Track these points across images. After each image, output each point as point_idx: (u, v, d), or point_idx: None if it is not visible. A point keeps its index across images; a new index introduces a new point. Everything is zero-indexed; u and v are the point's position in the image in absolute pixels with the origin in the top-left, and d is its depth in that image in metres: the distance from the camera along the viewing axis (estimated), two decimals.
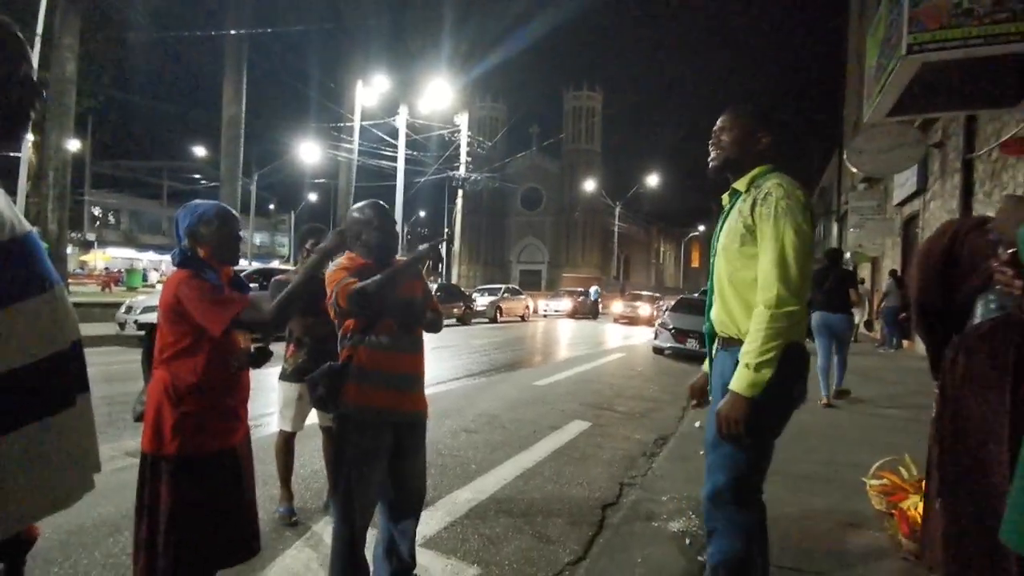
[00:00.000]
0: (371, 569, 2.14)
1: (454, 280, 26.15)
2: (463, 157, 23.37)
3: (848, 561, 2.63)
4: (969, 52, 5.30)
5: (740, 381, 1.70)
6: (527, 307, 23.94)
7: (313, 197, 38.06)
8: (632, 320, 23.36)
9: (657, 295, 27.95)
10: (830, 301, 6.08)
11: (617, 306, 25.68)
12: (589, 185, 47.62)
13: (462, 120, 23.25)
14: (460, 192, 24.57)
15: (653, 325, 17.25)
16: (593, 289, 33.54)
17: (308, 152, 21.85)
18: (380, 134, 19.44)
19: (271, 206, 50.21)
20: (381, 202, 2.22)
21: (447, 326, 17.66)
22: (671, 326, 11.41)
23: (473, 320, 19.86)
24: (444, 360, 9.83)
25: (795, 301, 1.68)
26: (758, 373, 1.67)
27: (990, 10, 5.12)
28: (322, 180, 24.16)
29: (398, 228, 2.23)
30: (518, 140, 55.24)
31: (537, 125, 56.34)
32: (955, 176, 9.39)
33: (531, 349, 12.65)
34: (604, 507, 3.41)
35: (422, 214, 47.15)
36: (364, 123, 19.09)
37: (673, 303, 13.80)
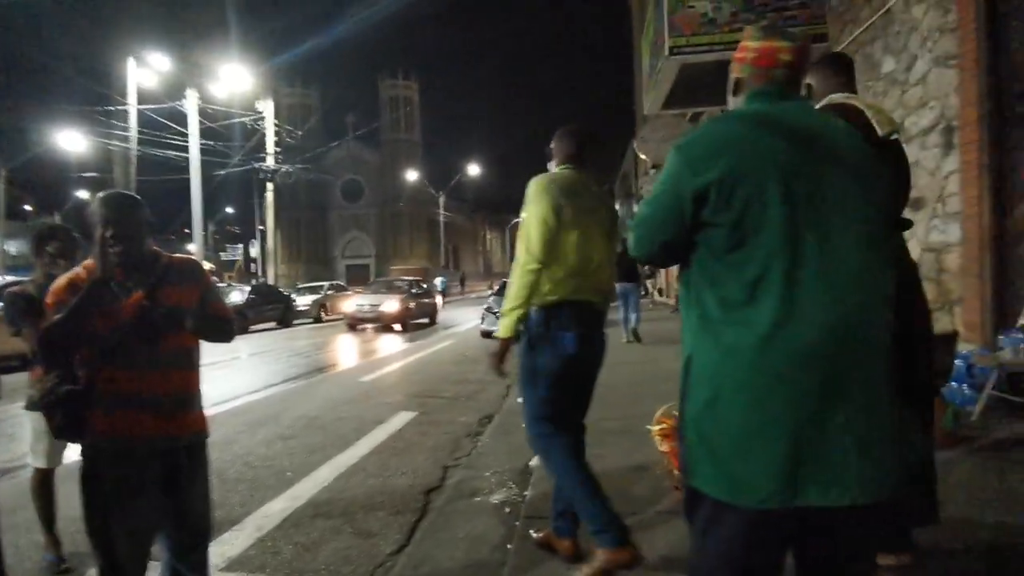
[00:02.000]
0: None
1: (271, 281, 24.15)
2: (270, 147, 21.59)
3: (634, 498, 2.95)
4: (716, 56, 6.26)
5: (499, 326, 2.26)
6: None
7: (84, 195, 32.23)
8: (375, 321, 15.28)
9: (413, 280, 19.06)
10: (623, 274, 8.16)
11: (348, 305, 16.45)
12: (411, 175, 47.21)
13: (266, 107, 21.43)
14: (270, 185, 22.67)
15: (404, 325, 14.79)
16: (439, 280, 29.66)
17: (71, 141, 18.43)
18: (165, 121, 17.09)
19: (27, 207, 41.50)
20: (124, 192, 1.90)
21: (264, 330, 16.34)
22: (495, 309, 11.85)
23: (295, 321, 18.63)
24: (259, 367, 9.08)
25: (533, 261, 2.14)
26: (507, 317, 2.19)
27: (728, 20, 6.09)
28: (94, 175, 20.46)
29: (140, 226, 1.78)
30: (334, 130, 52.57)
31: (353, 114, 54.20)
32: None
33: (358, 345, 12.24)
34: (428, 492, 3.45)
35: (229, 210, 42.78)
36: (142, 107, 16.62)
37: (497, 287, 14.30)
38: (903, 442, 1.29)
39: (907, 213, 5.07)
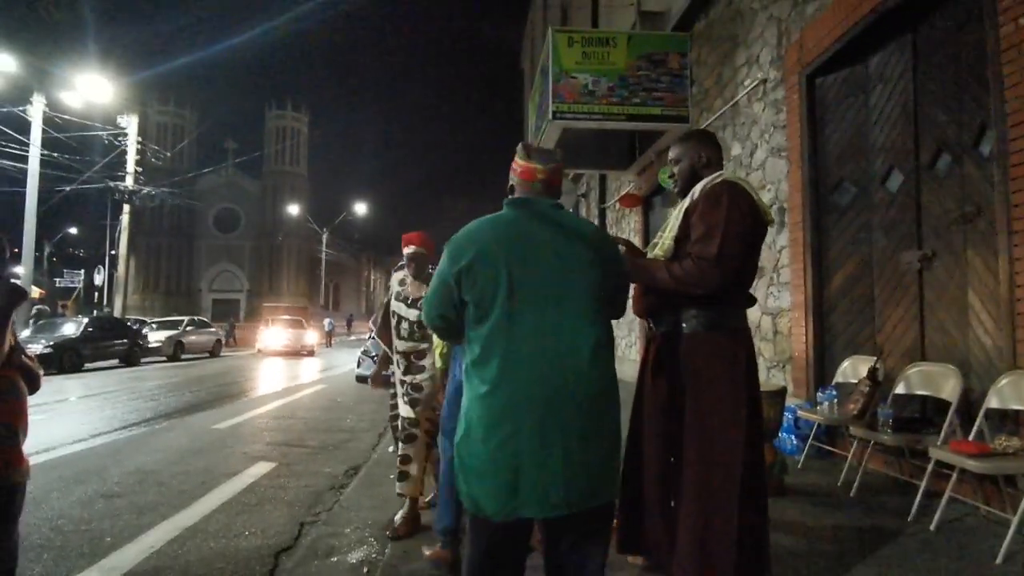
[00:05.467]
0: None
1: (117, 313, 21.50)
2: (131, 166, 19.62)
3: None
4: (594, 124, 6.77)
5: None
6: (218, 341, 21.21)
7: None
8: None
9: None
10: None
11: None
12: (294, 209, 45.16)
13: (130, 122, 19.56)
14: (127, 208, 20.48)
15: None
16: (327, 321, 31.34)
17: None
18: (4, 128, 14.97)
19: None
20: None
21: (105, 369, 14.43)
22: (373, 353, 11.43)
23: (145, 359, 16.68)
24: (91, 411, 7.94)
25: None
26: None
27: (606, 94, 6.64)
28: None
29: None
30: (210, 155, 49.28)
31: (233, 140, 51.11)
32: (594, 221, 11.81)
33: (215, 388, 11.16)
34: (278, 554, 3.14)
35: (72, 231, 37.95)
36: None
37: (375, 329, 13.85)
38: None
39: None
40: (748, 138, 5.68)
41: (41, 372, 1.94)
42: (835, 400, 3.73)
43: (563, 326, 1.55)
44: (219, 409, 8.29)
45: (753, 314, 5.52)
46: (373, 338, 12.82)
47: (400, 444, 3.29)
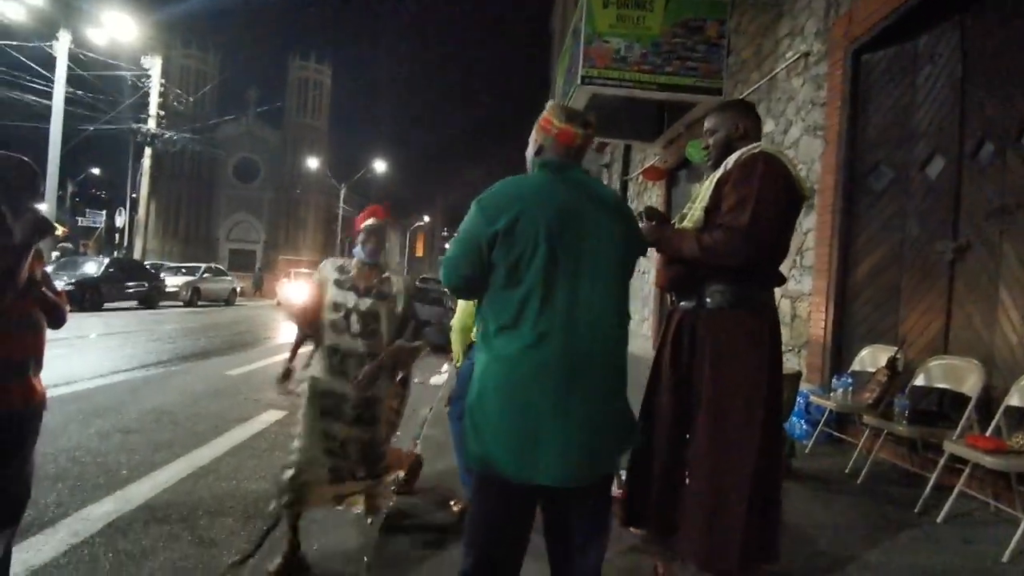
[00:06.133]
0: None
1: (137, 255, 21.81)
2: (153, 108, 19.57)
3: None
4: (624, 92, 6.58)
5: None
6: (234, 290, 21.50)
7: None
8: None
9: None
10: None
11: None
12: (314, 163, 45.02)
13: (153, 64, 19.42)
14: (149, 151, 20.52)
15: None
16: None
17: None
18: (27, 61, 14.94)
19: None
20: (18, 156, 1.78)
21: (123, 309, 14.72)
22: None
23: (162, 303, 16.97)
24: (111, 349, 8.12)
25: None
26: None
27: (638, 60, 6.44)
28: None
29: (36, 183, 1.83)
30: (231, 102, 48.83)
31: (256, 90, 50.73)
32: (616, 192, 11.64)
33: (230, 336, 11.35)
34: None
35: (95, 171, 38.22)
36: (5, 43, 14.46)
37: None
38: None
39: None
40: (783, 114, 5.49)
41: (67, 308, 1.94)
42: (850, 388, 3.68)
43: (594, 297, 1.56)
44: (233, 356, 8.43)
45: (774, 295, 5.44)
46: None
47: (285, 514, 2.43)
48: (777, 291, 5.22)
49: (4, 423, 1.67)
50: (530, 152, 1.73)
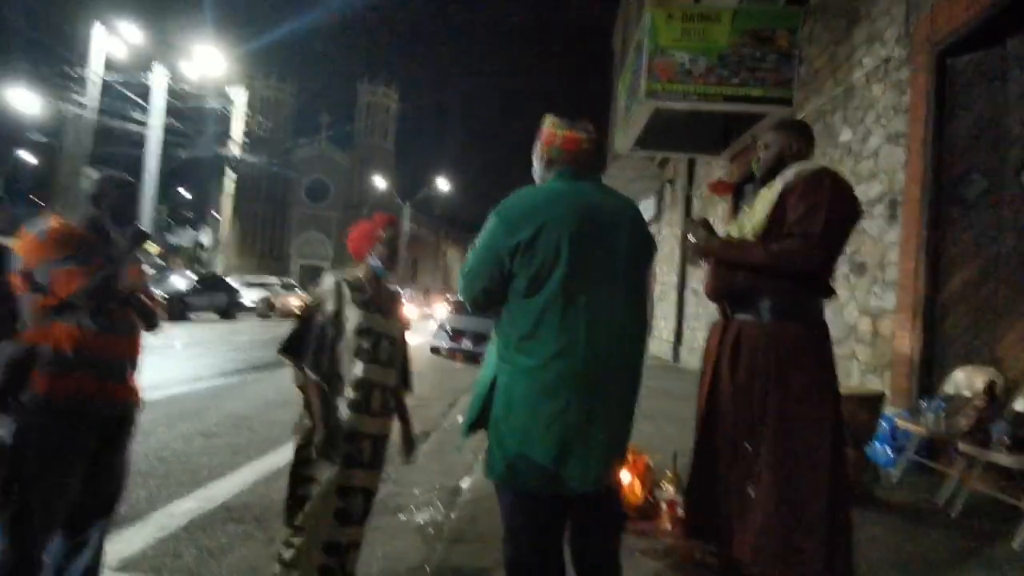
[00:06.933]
0: None
1: (219, 271, 23.26)
2: (237, 135, 20.99)
3: None
4: (688, 105, 6.48)
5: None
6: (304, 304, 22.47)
7: (30, 158, 30.37)
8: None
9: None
10: None
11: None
12: (380, 183, 46.74)
13: (238, 94, 20.88)
14: (232, 174, 21.97)
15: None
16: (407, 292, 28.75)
17: (24, 101, 17.44)
18: (128, 93, 16.37)
19: None
20: (125, 177, 1.98)
21: (204, 321, 15.69)
22: (448, 326, 11.76)
23: (239, 315, 17.97)
24: (194, 358, 8.67)
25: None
26: None
27: (703, 73, 6.33)
28: (43, 139, 19.29)
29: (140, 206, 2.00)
30: (305, 127, 51.58)
31: (328, 114, 53.48)
32: (679, 207, 11.39)
33: None
34: None
35: (185, 193, 41.22)
36: (108, 78, 15.94)
37: (451, 306, 14.29)
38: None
39: (850, 277, 5.29)
40: (861, 123, 5.23)
41: (159, 312, 2.08)
42: (942, 412, 3.41)
43: (614, 306, 1.58)
44: None
45: (849, 314, 5.14)
46: (453, 312, 13.16)
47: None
48: (855, 309, 4.98)
49: (106, 420, 1.81)
50: (538, 168, 1.74)
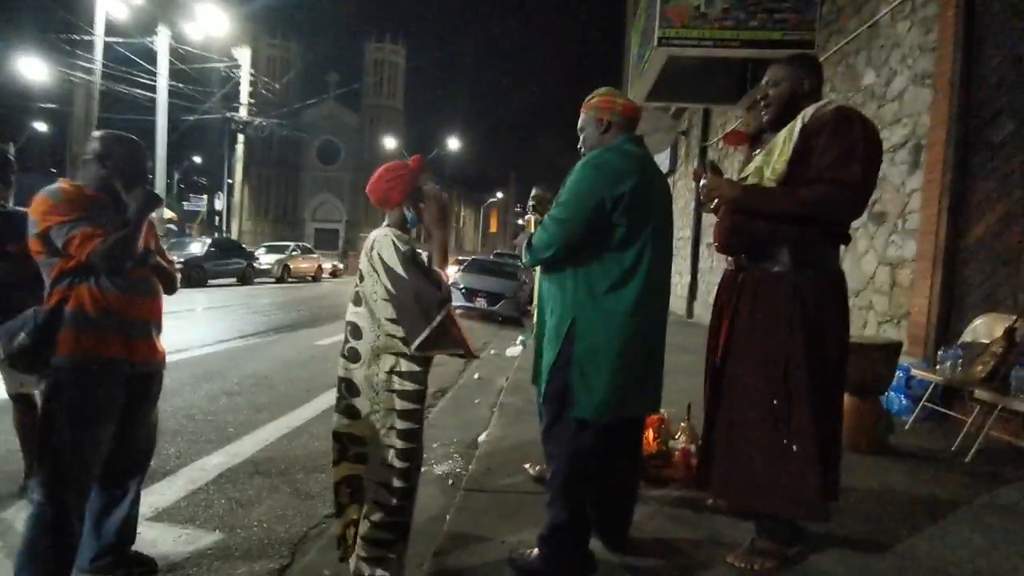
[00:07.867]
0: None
1: (234, 236, 23.43)
2: (244, 97, 20.77)
3: None
4: (703, 52, 6.25)
5: None
6: (319, 266, 22.67)
7: (41, 127, 30.40)
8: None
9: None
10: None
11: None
12: (390, 142, 46.21)
13: (243, 55, 20.54)
14: (241, 137, 21.85)
15: None
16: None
17: (32, 69, 17.33)
18: (132, 56, 16.19)
19: None
20: (129, 135, 1.95)
21: (223, 286, 15.91)
22: (461, 285, 11.79)
23: (256, 279, 18.19)
24: (215, 321, 8.84)
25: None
26: None
27: (719, 16, 6.07)
28: (53, 106, 19.26)
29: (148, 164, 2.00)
30: (313, 87, 50.77)
31: (335, 73, 52.47)
32: (694, 160, 11.14)
33: (318, 309, 12.02)
34: None
35: (197, 160, 41.19)
36: (110, 39, 15.70)
37: (464, 264, 14.28)
38: None
39: (869, 226, 5.17)
40: (886, 64, 5.02)
41: (177, 276, 2.13)
42: (959, 360, 3.38)
43: (667, 260, 1.87)
44: (321, 328, 8.94)
45: (868, 264, 5.06)
46: (461, 271, 13.19)
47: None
48: (874, 258, 4.89)
49: (133, 377, 1.86)
50: (593, 132, 1.90)
